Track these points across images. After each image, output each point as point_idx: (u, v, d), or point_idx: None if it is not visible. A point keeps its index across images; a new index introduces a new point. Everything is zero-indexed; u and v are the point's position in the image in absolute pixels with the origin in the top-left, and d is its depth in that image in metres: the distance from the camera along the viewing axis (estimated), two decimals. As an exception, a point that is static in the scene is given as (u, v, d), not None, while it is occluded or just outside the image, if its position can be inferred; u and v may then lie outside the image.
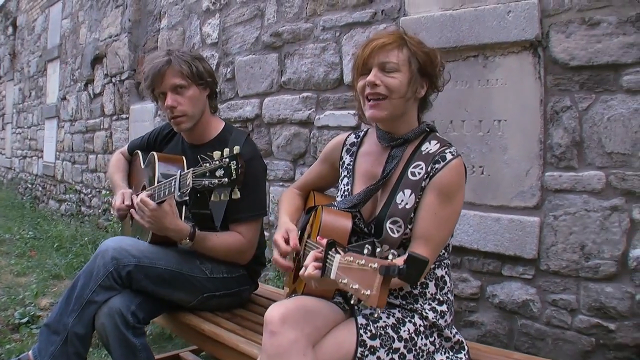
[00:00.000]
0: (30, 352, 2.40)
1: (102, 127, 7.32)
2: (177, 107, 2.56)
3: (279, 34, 4.11)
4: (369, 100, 1.94)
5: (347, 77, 3.60)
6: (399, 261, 1.39)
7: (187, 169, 2.16)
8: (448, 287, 2.02)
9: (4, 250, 6.44)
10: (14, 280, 5.17)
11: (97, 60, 7.46)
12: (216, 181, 2.01)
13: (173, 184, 2.22)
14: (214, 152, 2.06)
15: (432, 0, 3.03)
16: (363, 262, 1.37)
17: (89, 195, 7.71)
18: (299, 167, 4.02)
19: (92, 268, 2.39)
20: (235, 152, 2.02)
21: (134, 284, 2.39)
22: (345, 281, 1.40)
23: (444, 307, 1.97)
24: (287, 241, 2.01)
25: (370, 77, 1.91)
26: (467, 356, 1.99)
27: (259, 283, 2.94)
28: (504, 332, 2.80)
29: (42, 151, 10.11)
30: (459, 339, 1.99)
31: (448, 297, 2.01)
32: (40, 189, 10.22)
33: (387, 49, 1.90)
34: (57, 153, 9.17)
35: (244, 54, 4.48)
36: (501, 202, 2.76)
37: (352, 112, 3.50)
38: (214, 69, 4.33)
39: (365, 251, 1.41)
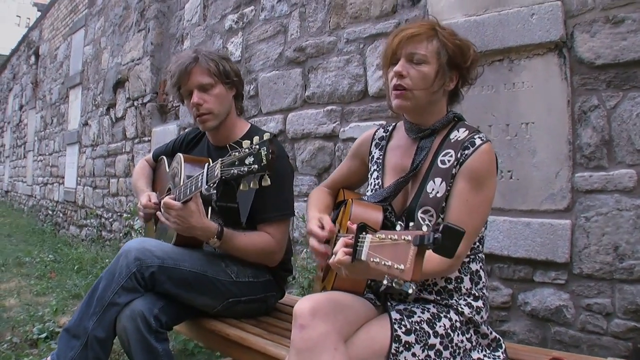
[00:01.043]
0: (49, 358, 2.35)
1: (123, 150, 7.39)
2: (203, 104, 2.53)
3: (303, 48, 4.13)
4: (395, 91, 1.90)
5: (372, 89, 3.60)
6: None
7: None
8: (483, 282, 1.95)
9: (24, 272, 6.45)
10: (34, 299, 5.16)
11: (119, 84, 7.57)
12: (245, 169, 1.96)
13: (200, 178, 2.19)
14: (244, 142, 2.01)
15: (456, 7, 3.03)
16: (395, 237, 1.32)
17: (110, 220, 7.75)
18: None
19: (114, 269, 2.34)
20: (265, 137, 1.96)
21: (157, 286, 2.33)
22: (377, 260, 1.34)
23: (480, 303, 1.91)
24: (322, 228, 1.97)
25: (397, 68, 1.88)
26: (504, 354, 1.91)
27: (286, 292, 2.89)
28: (537, 340, 2.72)
29: (63, 177, 10.25)
30: (496, 336, 1.93)
31: (483, 293, 1.94)
32: (61, 215, 10.32)
33: (416, 40, 1.87)
34: (79, 178, 9.29)
35: (267, 70, 4.50)
36: (531, 206, 2.72)
37: (378, 122, 3.49)
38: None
39: (398, 228, 1.38)
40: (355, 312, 1.80)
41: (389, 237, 1.34)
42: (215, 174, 2.07)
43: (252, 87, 4.67)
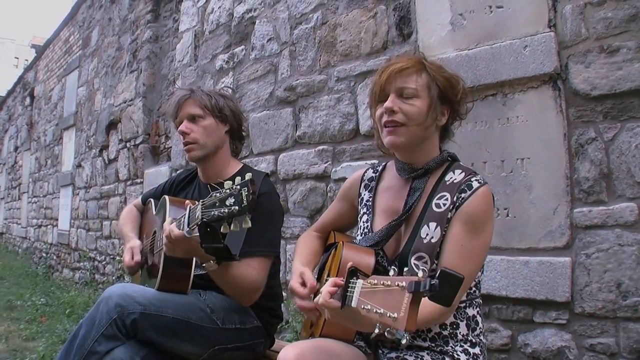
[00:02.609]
0: None
1: (116, 192, 7.35)
2: (190, 134, 2.51)
3: (293, 87, 4.09)
4: (387, 127, 1.83)
5: (364, 127, 3.55)
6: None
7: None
8: (480, 328, 1.85)
9: (14, 315, 6.40)
10: (22, 344, 5.10)
11: (112, 125, 7.57)
12: (226, 210, 1.88)
13: (182, 220, 2.11)
14: (225, 182, 1.94)
15: (447, 42, 2.99)
16: (389, 282, 1.24)
17: (103, 263, 7.67)
18: (316, 223, 3.91)
19: (94, 315, 2.24)
20: (247, 177, 1.89)
21: (140, 334, 2.22)
22: (368, 307, 1.25)
23: (477, 350, 1.80)
24: (303, 284, 1.88)
25: (387, 104, 1.79)
26: None
27: (276, 339, 2.78)
28: (539, 383, 2.62)
29: (57, 219, 10.20)
30: None
31: (481, 340, 1.84)
32: (54, 257, 10.26)
33: (405, 74, 1.80)
34: (72, 221, 9.24)
35: (258, 110, 4.46)
36: (529, 244, 2.64)
37: (370, 162, 3.42)
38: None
39: (391, 273, 1.28)
40: None
41: (382, 282, 1.25)
42: (196, 215, 1.99)
43: (243, 128, 4.60)
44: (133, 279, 2.83)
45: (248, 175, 1.89)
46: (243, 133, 2.72)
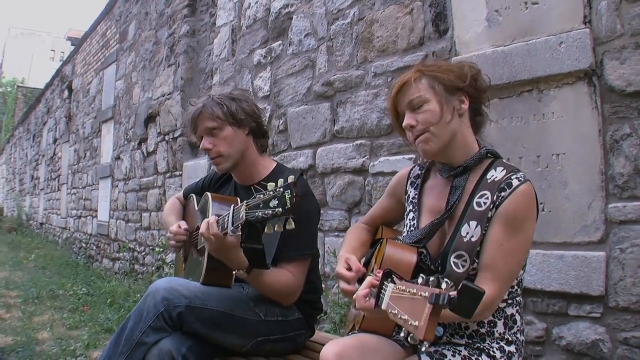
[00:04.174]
0: None
1: (155, 184, 7.48)
2: (213, 148, 2.58)
3: (331, 82, 4.16)
4: (416, 139, 1.90)
5: (401, 122, 3.59)
6: (454, 292, 1.31)
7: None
8: (518, 326, 1.90)
9: (57, 305, 6.55)
10: (66, 332, 5.24)
11: (150, 119, 7.70)
12: (270, 212, 1.96)
13: (226, 219, 2.20)
14: (268, 184, 2.02)
15: (483, 38, 3.02)
16: (414, 290, 1.33)
17: (143, 253, 7.82)
18: (354, 216, 3.98)
19: (142, 309, 2.35)
20: (290, 180, 1.96)
21: (185, 326, 2.33)
22: (395, 312, 1.36)
23: (512, 348, 1.86)
24: (349, 269, 1.95)
25: (405, 122, 1.89)
26: None
27: (316, 330, 2.86)
28: (574, 376, 2.67)
29: (97, 211, 10.39)
30: None
31: (517, 337, 1.89)
32: (94, 247, 10.46)
33: (406, 88, 1.89)
34: (111, 212, 9.41)
35: (296, 105, 4.54)
36: (564, 239, 2.67)
37: (407, 156, 3.48)
38: (266, 121, 4.45)
39: (420, 280, 1.36)
40: (382, 356, 1.78)
41: (409, 290, 1.35)
42: (240, 216, 2.08)
43: (281, 122, 4.71)
44: (176, 269, 2.93)
45: (290, 178, 1.96)
46: (265, 128, 2.75)
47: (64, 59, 15.94)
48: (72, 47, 16.78)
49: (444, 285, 1.27)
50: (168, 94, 7.13)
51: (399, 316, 1.34)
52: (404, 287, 1.37)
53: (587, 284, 2.58)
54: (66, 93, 14.20)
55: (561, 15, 2.70)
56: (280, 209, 1.93)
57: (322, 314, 3.66)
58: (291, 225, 1.97)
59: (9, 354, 4.43)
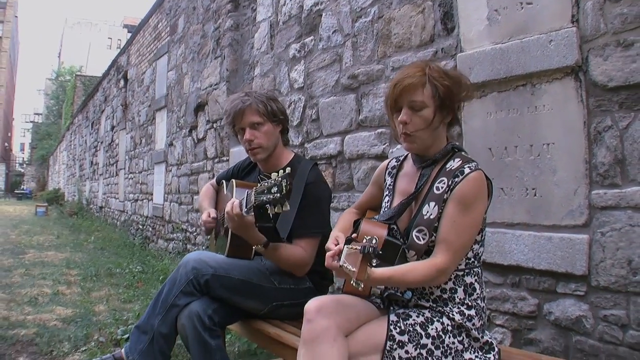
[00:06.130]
0: (122, 350, 2.83)
1: (205, 169, 7.85)
2: (254, 140, 2.96)
3: (355, 76, 4.42)
4: (403, 135, 2.21)
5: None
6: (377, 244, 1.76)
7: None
8: (477, 294, 2.20)
9: (113, 282, 7.04)
10: (121, 305, 5.70)
11: (200, 107, 8.07)
12: (271, 197, 2.35)
13: (242, 202, 2.59)
14: (272, 174, 2.41)
15: (484, 36, 3.23)
16: (356, 247, 1.72)
17: (194, 234, 8.19)
18: (378, 199, 4.23)
19: (175, 277, 2.80)
20: (287, 171, 2.35)
21: (211, 291, 2.75)
22: (346, 265, 1.72)
23: (472, 312, 2.15)
24: (337, 245, 2.25)
25: (402, 117, 2.18)
26: (496, 357, 2.15)
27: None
28: (561, 348, 2.86)
29: (152, 194, 10.83)
30: (487, 340, 2.16)
31: (477, 303, 2.18)
32: (150, 229, 10.91)
33: (412, 88, 2.15)
34: (166, 195, 9.83)
35: (326, 96, 4.82)
36: (553, 222, 2.87)
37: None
38: (301, 111, 4.88)
39: (364, 241, 1.73)
40: (356, 311, 2.11)
41: (354, 247, 1.74)
42: (251, 199, 2.48)
43: (314, 112, 4.99)
44: (209, 246, 3.33)
45: (288, 169, 2.35)
46: (288, 125, 3.14)
47: (120, 49, 16.48)
48: (128, 35, 17.33)
49: (373, 241, 1.71)
50: (215, 85, 7.46)
51: (347, 267, 1.71)
52: (352, 246, 1.76)
53: (572, 264, 2.77)
54: (122, 82, 14.72)
55: (552, 14, 2.88)
56: (278, 195, 2.33)
57: (334, 288, 3.96)
58: (286, 207, 2.35)
59: (69, 324, 4.89)
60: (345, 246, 1.80)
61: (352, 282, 1.68)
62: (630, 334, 2.59)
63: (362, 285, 1.68)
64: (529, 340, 3.00)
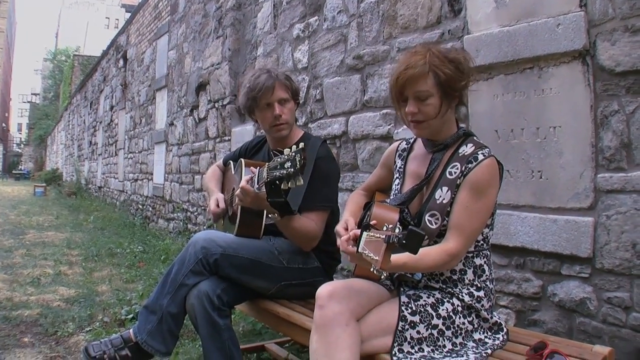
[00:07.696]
0: (131, 330, 2.83)
1: (206, 149, 7.87)
2: (283, 116, 2.98)
3: (360, 56, 4.41)
4: (413, 123, 2.23)
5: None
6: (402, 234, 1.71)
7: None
8: (486, 275, 2.23)
9: (115, 262, 7.09)
10: (123, 285, 5.75)
11: (201, 87, 8.07)
12: (285, 172, 2.35)
13: (254, 179, 2.62)
14: (285, 149, 2.42)
15: (492, 18, 3.23)
16: (378, 235, 1.70)
17: (195, 213, 8.23)
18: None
19: (184, 256, 2.81)
20: (300, 146, 2.36)
21: (220, 271, 2.76)
22: (366, 252, 1.71)
23: (481, 293, 2.19)
24: (346, 229, 2.28)
25: (409, 109, 2.20)
26: (505, 337, 2.19)
27: (334, 278, 3.20)
28: (564, 330, 2.90)
29: (152, 174, 10.85)
30: (497, 321, 2.20)
31: (486, 285, 2.22)
32: (150, 209, 10.95)
33: (415, 79, 2.16)
34: (166, 175, 9.85)
35: (331, 77, 4.82)
36: (558, 204, 2.89)
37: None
38: (305, 91, 4.91)
39: (384, 228, 1.71)
40: (368, 295, 2.14)
41: (375, 235, 1.73)
42: (263, 176, 2.50)
43: (318, 92, 4.99)
44: (217, 226, 3.33)
45: (301, 144, 2.36)
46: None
47: (119, 28, 16.39)
48: (127, 15, 17.23)
49: (396, 230, 1.66)
50: (217, 64, 7.45)
51: (369, 255, 1.70)
52: (372, 234, 1.74)
53: (577, 246, 2.80)
54: (121, 62, 14.68)
55: (561, -2, 2.88)
56: (292, 170, 2.33)
57: (343, 268, 3.99)
58: (300, 182, 2.36)
59: (72, 304, 4.93)
60: (365, 233, 1.79)
61: (372, 269, 1.68)
62: (634, 316, 2.62)
63: (385, 274, 1.69)
64: (532, 321, 3.04)
